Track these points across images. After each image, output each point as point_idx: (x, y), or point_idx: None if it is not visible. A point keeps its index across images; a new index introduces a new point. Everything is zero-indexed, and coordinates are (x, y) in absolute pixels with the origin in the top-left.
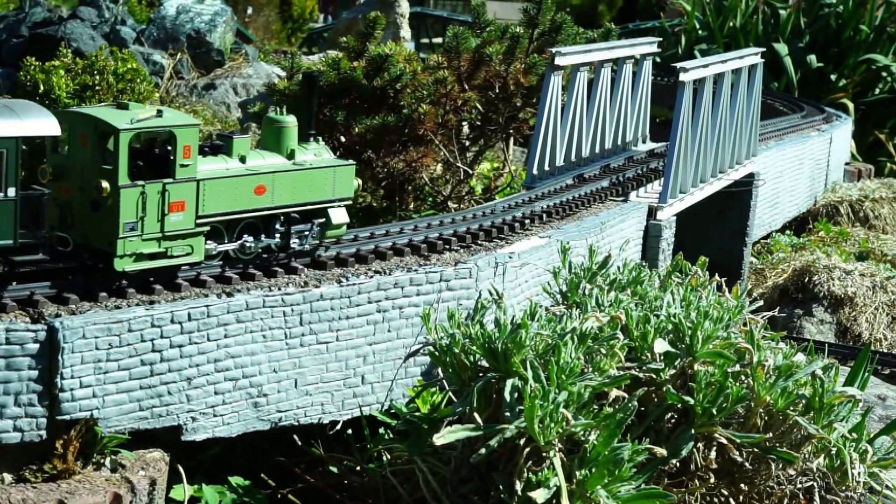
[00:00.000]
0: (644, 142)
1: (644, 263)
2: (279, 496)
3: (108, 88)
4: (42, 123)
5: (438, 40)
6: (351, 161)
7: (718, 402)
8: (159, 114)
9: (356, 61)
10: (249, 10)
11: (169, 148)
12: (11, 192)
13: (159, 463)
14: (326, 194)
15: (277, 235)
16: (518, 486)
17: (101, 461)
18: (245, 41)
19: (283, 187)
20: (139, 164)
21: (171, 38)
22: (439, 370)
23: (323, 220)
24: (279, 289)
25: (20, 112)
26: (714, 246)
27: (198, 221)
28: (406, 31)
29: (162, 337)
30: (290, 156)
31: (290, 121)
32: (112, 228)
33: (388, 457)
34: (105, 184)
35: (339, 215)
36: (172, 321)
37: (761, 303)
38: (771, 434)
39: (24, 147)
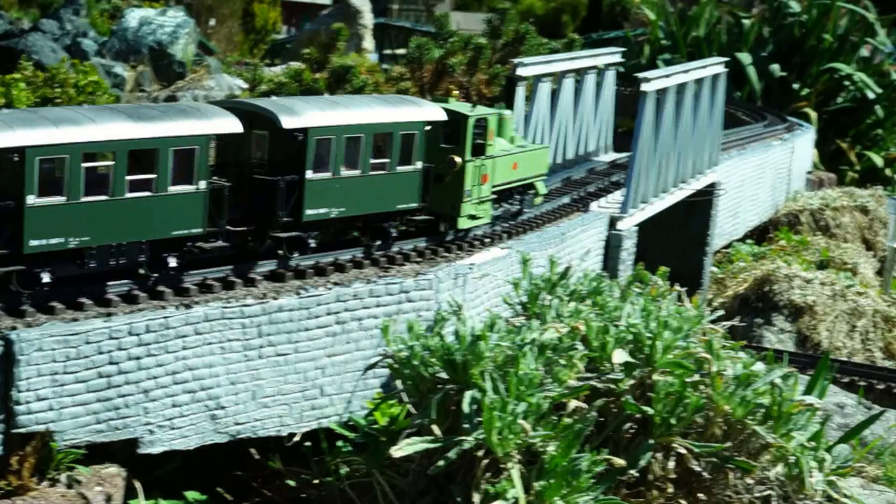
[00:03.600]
0: (607, 152)
1: (605, 273)
2: None
3: (68, 101)
4: (435, 111)
5: (402, 51)
6: (546, 144)
7: (677, 411)
8: (474, 106)
9: (319, 73)
10: (212, 22)
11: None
12: (419, 164)
13: (116, 478)
14: (538, 170)
15: (516, 202)
16: (476, 498)
17: (57, 477)
18: (207, 53)
19: (524, 164)
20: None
21: (133, 50)
22: (398, 382)
23: (533, 190)
24: (238, 300)
25: (421, 104)
26: (675, 255)
27: (492, 190)
28: (369, 42)
29: (120, 349)
30: (512, 141)
31: (509, 113)
32: (458, 195)
33: (347, 469)
34: (458, 159)
35: (542, 187)
36: (130, 333)
37: (721, 312)
38: (729, 443)
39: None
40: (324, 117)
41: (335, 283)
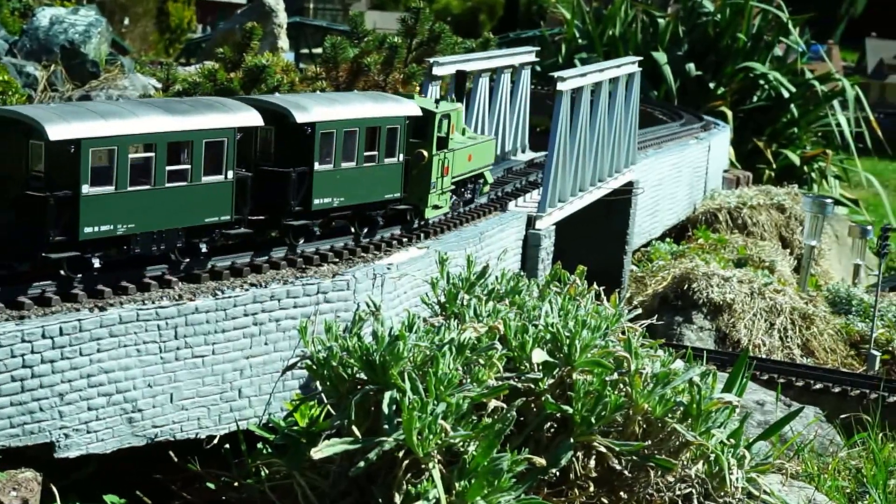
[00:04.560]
0: (524, 151)
1: (523, 273)
2: None
3: None
4: (412, 107)
5: (319, 50)
6: (493, 136)
7: (597, 410)
8: (437, 102)
9: (233, 72)
10: (126, 21)
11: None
12: (401, 157)
13: (31, 483)
14: (487, 160)
15: (468, 192)
16: (397, 499)
17: None
18: (122, 52)
19: (477, 155)
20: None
21: (45, 49)
22: (317, 383)
23: (482, 179)
24: (153, 302)
25: (400, 101)
26: (595, 254)
27: (452, 181)
28: (284, 42)
29: (33, 352)
30: (463, 133)
31: (461, 106)
32: (425, 187)
33: (267, 471)
34: (426, 153)
35: (489, 176)
36: (44, 336)
37: (640, 311)
38: (650, 442)
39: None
40: (328, 112)
41: (252, 284)
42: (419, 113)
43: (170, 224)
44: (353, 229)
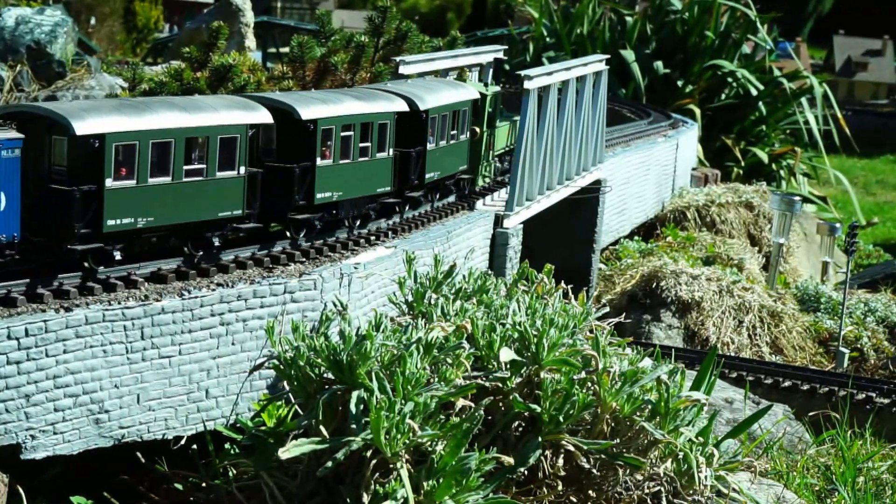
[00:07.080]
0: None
1: (491, 272)
2: None
3: None
4: (475, 92)
5: (286, 49)
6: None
7: (565, 409)
8: (486, 85)
9: (200, 72)
10: (93, 21)
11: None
12: (467, 134)
13: None
14: (512, 139)
15: (505, 164)
16: (366, 499)
17: None
18: (88, 52)
19: (513, 132)
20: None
21: (11, 49)
22: (285, 383)
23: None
24: (119, 302)
25: (467, 87)
26: (563, 253)
27: (495, 155)
28: (251, 41)
29: None
30: (500, 113)
31: (500, 90)
32: (476, 160)
33: (235, 472)
34: (478, 130)
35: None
36: (9, 337)
37: (607, 309)
38: (618, 440)
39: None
40: (435, 99)
41: (218, 285)
42: (477, 97)
43: (359, 193)
44: (427, 197)
